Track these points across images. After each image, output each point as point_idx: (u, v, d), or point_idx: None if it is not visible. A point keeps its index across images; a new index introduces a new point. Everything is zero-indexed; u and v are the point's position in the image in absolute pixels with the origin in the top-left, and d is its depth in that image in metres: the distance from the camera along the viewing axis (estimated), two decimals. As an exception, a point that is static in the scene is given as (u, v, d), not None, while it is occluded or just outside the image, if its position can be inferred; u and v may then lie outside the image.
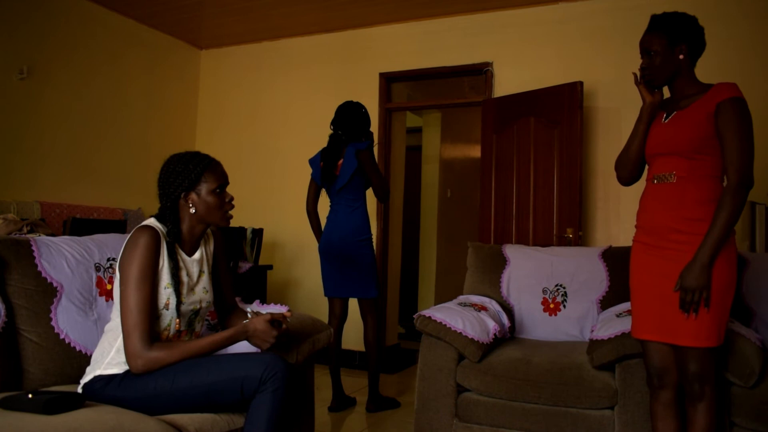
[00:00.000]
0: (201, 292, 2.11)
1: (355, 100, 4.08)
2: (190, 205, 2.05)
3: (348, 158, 3.82)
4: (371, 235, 3.96)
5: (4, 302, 2.03)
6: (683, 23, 2.24)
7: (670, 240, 2.17)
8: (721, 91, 2.16)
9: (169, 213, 2.04)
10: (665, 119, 2.28)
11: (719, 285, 2.08)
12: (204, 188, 2.05)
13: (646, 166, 2.38)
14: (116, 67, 5.44)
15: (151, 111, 5.80)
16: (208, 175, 2.06)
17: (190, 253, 2.11)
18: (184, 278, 2.04)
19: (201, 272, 2.13)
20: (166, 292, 1.97)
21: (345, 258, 3.86)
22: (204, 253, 2.17)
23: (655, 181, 2.25)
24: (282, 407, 1.86)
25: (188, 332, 2.09)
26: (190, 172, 2.03)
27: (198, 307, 2.10)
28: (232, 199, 2.12)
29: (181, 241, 2.07)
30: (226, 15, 5.42)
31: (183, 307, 2.02)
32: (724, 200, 2.07)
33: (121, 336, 1.93)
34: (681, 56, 2.23)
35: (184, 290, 2.03)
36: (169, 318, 1.99)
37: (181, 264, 2.05)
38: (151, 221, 2.03)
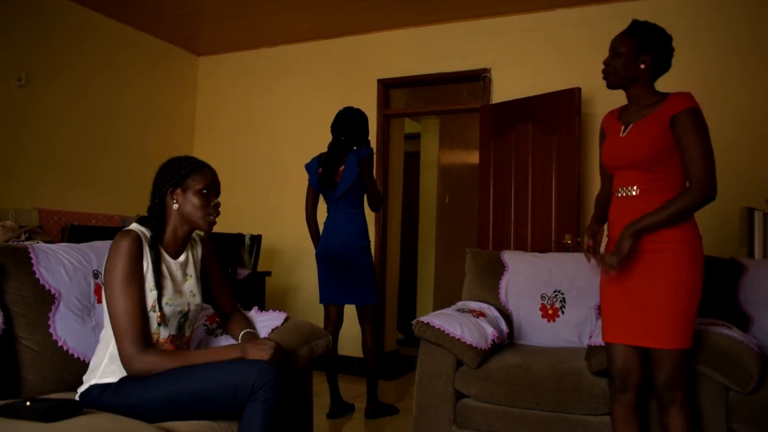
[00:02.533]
0: (188, 296, 2.11)
1: (353, 106, 4.07)
2: (175, 201, 2.07)
3: (350, 165, 3.82)
4: (370, 241, 3.96)
5: (3, 310, 2.03)
6: (656, 36, 2.25)
7: (637, 250, 2.18)
8: (677, 102, 2.16)
9: (155, 210, 2.07)
10: (623, 132, 2.28)
11: (684, 287, 2.13)
12: (191, 186, 2.07)
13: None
14: (114, 73, 5.45)
15: (149, 117, 5.81)
16: (197, 175, 2.08)
17: (175, 256, 2.11)
18: (167, 278, 2.04)
19: (187, 275, 2.14)
20: (152, 294, 1.97)
21: (344, 265, 3.85)
22: (190, 257, 2.17)
23: (620, 194, 2.27)
24: (274, 416, 1.85)
25: (178, 336, 2.09)
26: (180, 169, 2.07)
27: (186, 309, 2.09)
28: (218, 205, 2.13)
29: (163, 242, 2.08)
30: (223, 22, 5.43)
31: (170, 309, 2.01)
32: (685, 194, 2.11)
33: (112, 344, 1.94)
34: (642, 66, 2.24)
35: (168, 291, 2.02)
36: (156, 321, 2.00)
37: (164, 265, 2.05)
38: (134, 225, 2.05)
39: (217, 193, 2.15)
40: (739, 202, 3.95)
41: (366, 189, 3.90)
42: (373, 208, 4.00)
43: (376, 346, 3.99)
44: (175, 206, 2.07)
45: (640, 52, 2.23)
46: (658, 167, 2.17)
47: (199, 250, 2.25)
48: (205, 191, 2.08)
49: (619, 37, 2.29)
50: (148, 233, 2.03)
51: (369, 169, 3.87)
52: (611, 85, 2.31)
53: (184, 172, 2.07)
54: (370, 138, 4.04)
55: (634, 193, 2.22)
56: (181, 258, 2.13)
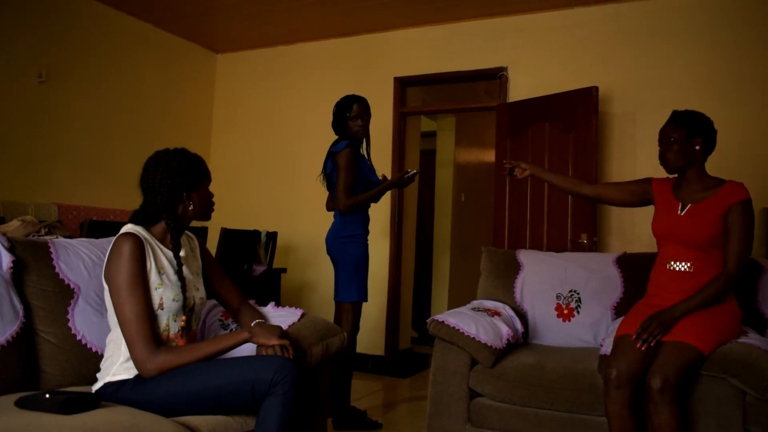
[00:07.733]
0: (192, 290, 2.12)
1: (369, 104, 3.82)
2: (190, 203, 2.07)
3: (328, 161, 3.68)
4: (361, 233, 3.68)
5: (23, 303, 2.05)
6: (701, 120, 2.54)
7: None
8: (735, 191, 2.47)
9: (168, 209, 2.04)
10: (681, 211, 2.55)
11: (722, 320, 2.40)
12: (204, 185, 2.12)
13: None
14: (133, 70, 5.50)
15: (167, 114, 5.85)
16: (208, 174, 2.15)
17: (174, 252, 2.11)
18: (171, 275, 2.04)
19: (189, 270, 2.14)
20: (157, 293, 1.98)
21: (331, 258, 3.71)
22: (189, 252, 2.19)
23: (670, 267, 2.54)
24: (292, 410, 1.87)
25: (187, 330, 2.09)
26: (195, 170, 2.07)
27: (192, 303, 2.10)
28: (212, 195, 2.19)
29: (163, 239, 2.09)
30: (241, 19, 5.45)
31: (176, 305, 2.02)
32: (718, 281, 2.40)
33: (123, 344, 1.94)
34: (697, 147, 2.51)
35: (174, 288, 2.03)
36: (165, 318, 2.00)
37: (167, 262, 2.05)
38: (130, 227, 2.03)
39: None
40: (758, 204, 3.90)
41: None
42: (338, 210, 3.64)
43: (349, 350, 3.62)
44: (191, 207, 2.09)
45: (691, 136, 2.51)
46: (711, 248, 2.47)
47: (196, 246, 2.27)
48: (209, 186, 2.15)
49: (668, 127, 2.56)
50: (145, 232, 2.03)
51: (341, 166, 3.56)
52: (670, 170, 2.59)
53: (201, 173, 2.09)
54: (353, 131, 3.69)
55: (688, 269, 2.49)
56: (182, 252, 2.12)
